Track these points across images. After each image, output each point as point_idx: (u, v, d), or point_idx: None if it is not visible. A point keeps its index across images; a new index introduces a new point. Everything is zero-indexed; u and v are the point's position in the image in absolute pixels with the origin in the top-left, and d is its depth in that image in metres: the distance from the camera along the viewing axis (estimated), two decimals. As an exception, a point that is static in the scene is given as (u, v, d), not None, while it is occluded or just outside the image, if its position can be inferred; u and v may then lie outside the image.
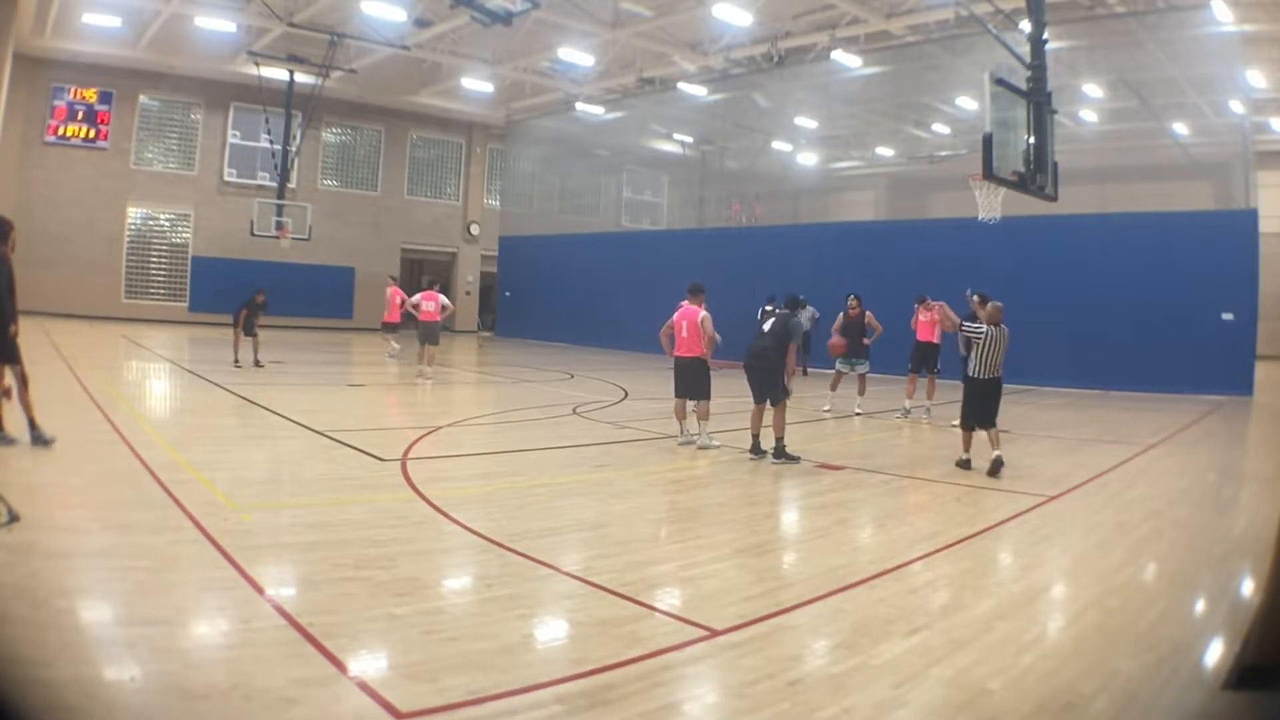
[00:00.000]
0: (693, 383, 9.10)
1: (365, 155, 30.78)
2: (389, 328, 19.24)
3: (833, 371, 12.76)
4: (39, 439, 6.96)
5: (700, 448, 8.89)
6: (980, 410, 8.06)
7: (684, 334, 9.10)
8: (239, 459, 7.68)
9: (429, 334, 15.21)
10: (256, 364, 14.84)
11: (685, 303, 9.22)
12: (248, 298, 15.15)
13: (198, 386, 12.69)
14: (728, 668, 3.56)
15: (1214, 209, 17.76)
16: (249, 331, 14.92)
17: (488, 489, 6.90)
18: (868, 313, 12.38)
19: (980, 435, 8.18)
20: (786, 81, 23.21)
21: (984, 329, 8.08)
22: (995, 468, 7.76)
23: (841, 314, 12.46)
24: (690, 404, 9.19)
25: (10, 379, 7.13)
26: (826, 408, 12.36)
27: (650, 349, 21.34)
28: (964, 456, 8.18)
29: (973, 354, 8.09)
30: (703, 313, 9.01)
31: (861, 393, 12.39)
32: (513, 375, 17.31)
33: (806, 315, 13.68)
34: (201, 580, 4.25)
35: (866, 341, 12.34)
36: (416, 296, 15.59)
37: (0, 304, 7.01)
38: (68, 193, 24.76)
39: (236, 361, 14.77)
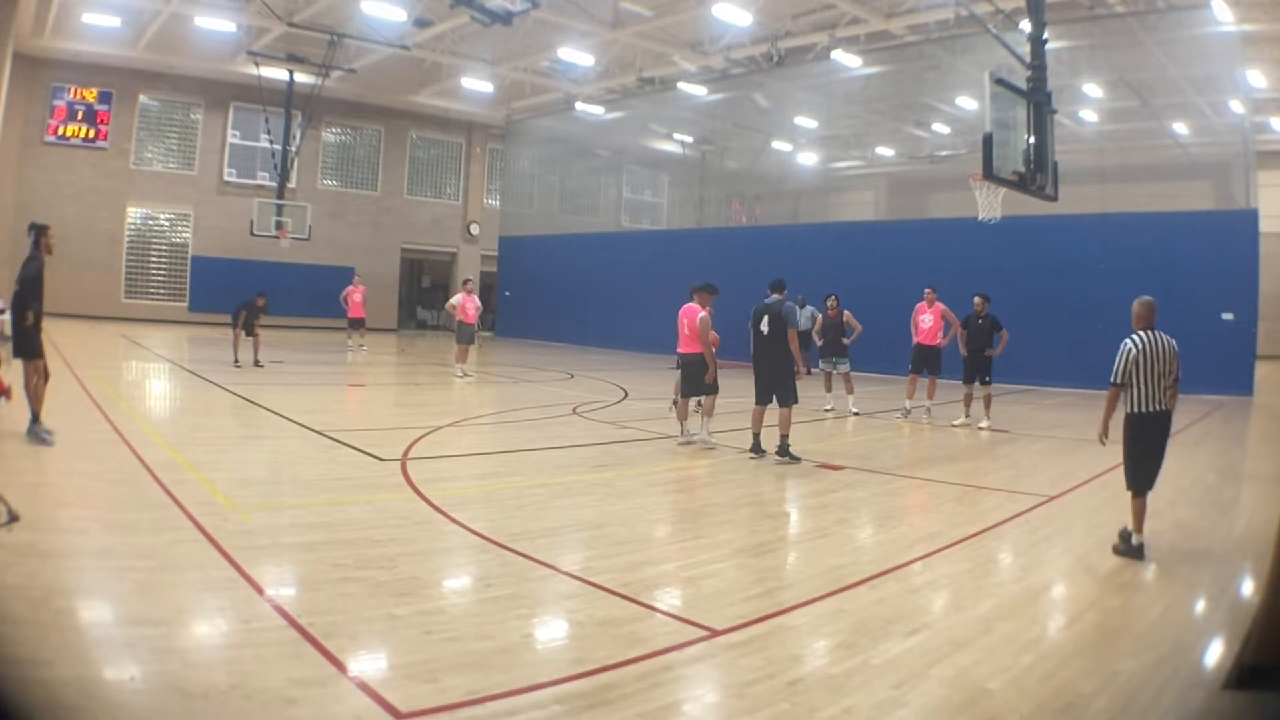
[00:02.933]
0: (697, 380, 9.10)
1: (365, 155, 30.76)
2: (355, 324, 20.52)
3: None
4: (39, 433, 6.95)
5: (700, 443, 8.91)
6: (1154, 462, 5.48)
7: (685, 331, 9.08)
8: (239, 459, 7.68)
9: (467, 334, 15.97)
10: (256, 364, 14.86)
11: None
12: (248, 298, 15.18)
13: (197, 386, 12.68)
14: (728, 668, 3.56)
15: (1214, 209, 17.76)
16: (249, 331, 14.93)
17: (488, 489, 6.90)
18: (846, 312, 12.57)
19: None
20: (786, 81, 23.23)
21: (1131, 343, 5.52)
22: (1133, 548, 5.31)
23: (821, 314, 12.70)
24: (691, 403, 9.19)
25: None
26: (828, 407, 12.39)
27: (650, 349, 21.43)
28: (1138, 539, 5.34)
29: (1124, 378, 5.48)
30: (702, 313, 8.98)
31: (850, 391, 12.46)
32: (512, 375, 17.32)
33: (806, 315, 13.73)
34: (201, 580, 4.25)
35: (846, 341, 12.50)
36: (457, 297, 16.26)
37: (21, 297, 6.99)
38: (68, 193, 24.73)
39: (236, 361, 14.77)
